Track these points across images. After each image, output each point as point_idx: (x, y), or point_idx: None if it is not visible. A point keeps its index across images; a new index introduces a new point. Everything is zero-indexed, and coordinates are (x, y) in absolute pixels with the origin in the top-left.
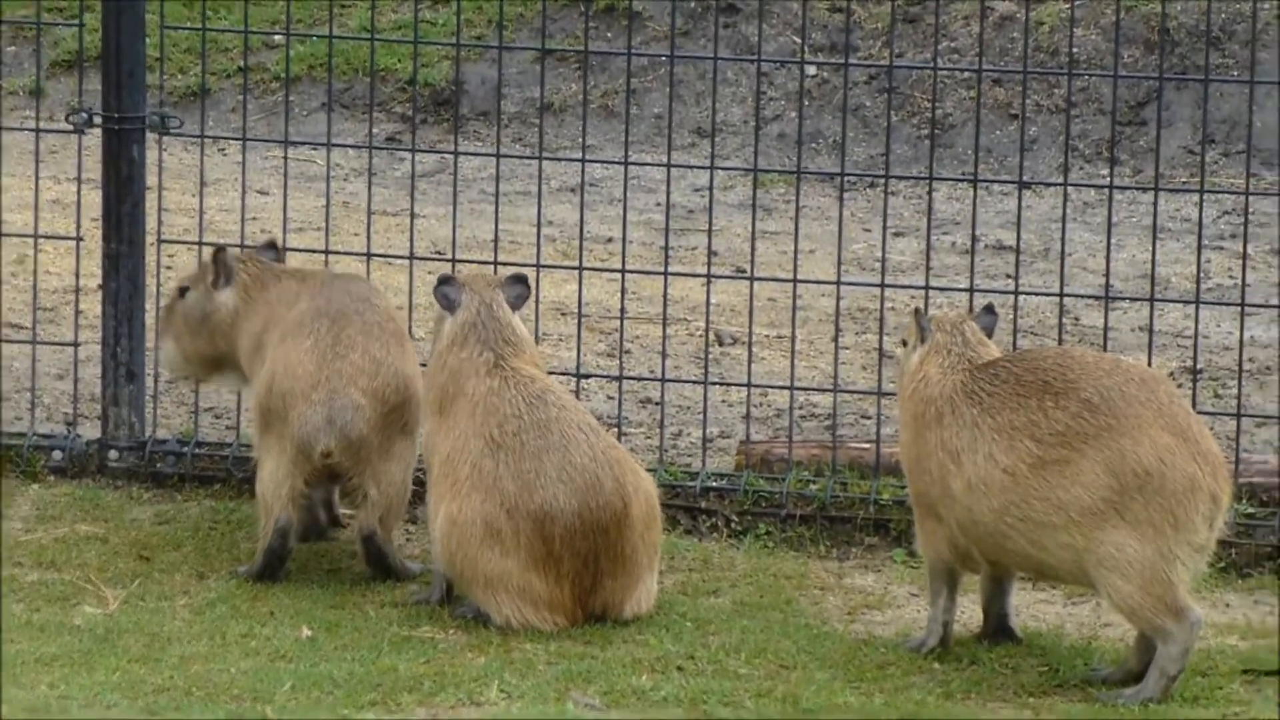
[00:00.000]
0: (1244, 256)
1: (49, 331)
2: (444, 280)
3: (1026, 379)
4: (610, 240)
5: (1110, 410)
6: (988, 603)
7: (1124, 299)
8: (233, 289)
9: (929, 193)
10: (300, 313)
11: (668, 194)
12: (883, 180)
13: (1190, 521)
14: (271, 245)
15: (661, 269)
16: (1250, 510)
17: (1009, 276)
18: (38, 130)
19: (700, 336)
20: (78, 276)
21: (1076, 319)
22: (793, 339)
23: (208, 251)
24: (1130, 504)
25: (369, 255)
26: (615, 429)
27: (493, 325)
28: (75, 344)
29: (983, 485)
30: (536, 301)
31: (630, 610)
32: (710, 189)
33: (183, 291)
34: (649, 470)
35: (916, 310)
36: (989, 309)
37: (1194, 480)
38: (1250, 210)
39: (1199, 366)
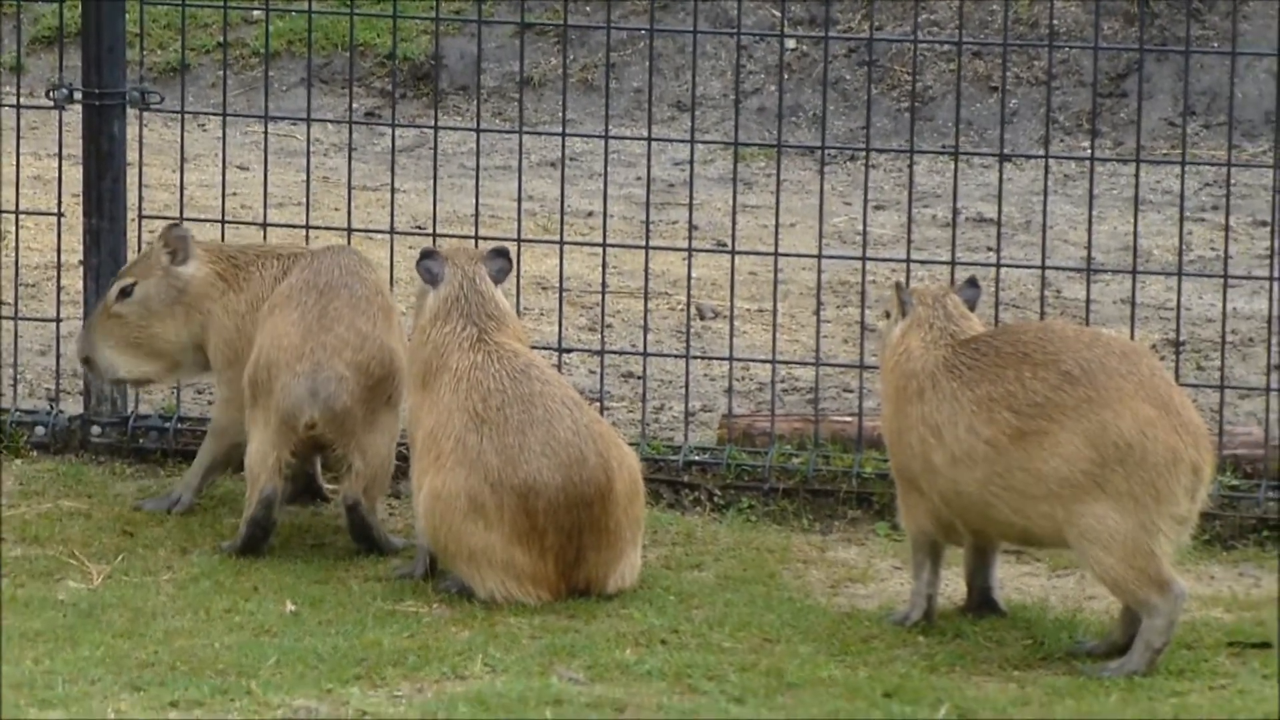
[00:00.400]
0: (1226, 228)
1: (30, 307)
2: (426, 254)
3: (1006, 351)
4: (590, 214)
5: (1090, 382)
6: (971, 576)
7: (1106, 271)
8: (196, 260)
9: (910, 166)
10: (289, 285)
11: (648, 168)
12: (863, 153)
13: (1172, 493)
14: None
15: (642, 243)
16: (1234, 482)
17: (990, 249)
18: (19, 106)
19: (681, 310)
20: (59, 252)
21: (1059, 292)
22: (774, 312)
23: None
24: (1111, 476)
25: (349, 230)
26: (597, 403)
27: (476, 299)
28: (57, 320)
29: (966, 458)
30: (518, 276)
31: (614, 584)
32: (691, 163)
33: (125, 292)
34: (631, 444)
35: (898, 284)
36: (971, 282)
37: (1175, 452)
38: (1232, 182)
39: (1182, 339)
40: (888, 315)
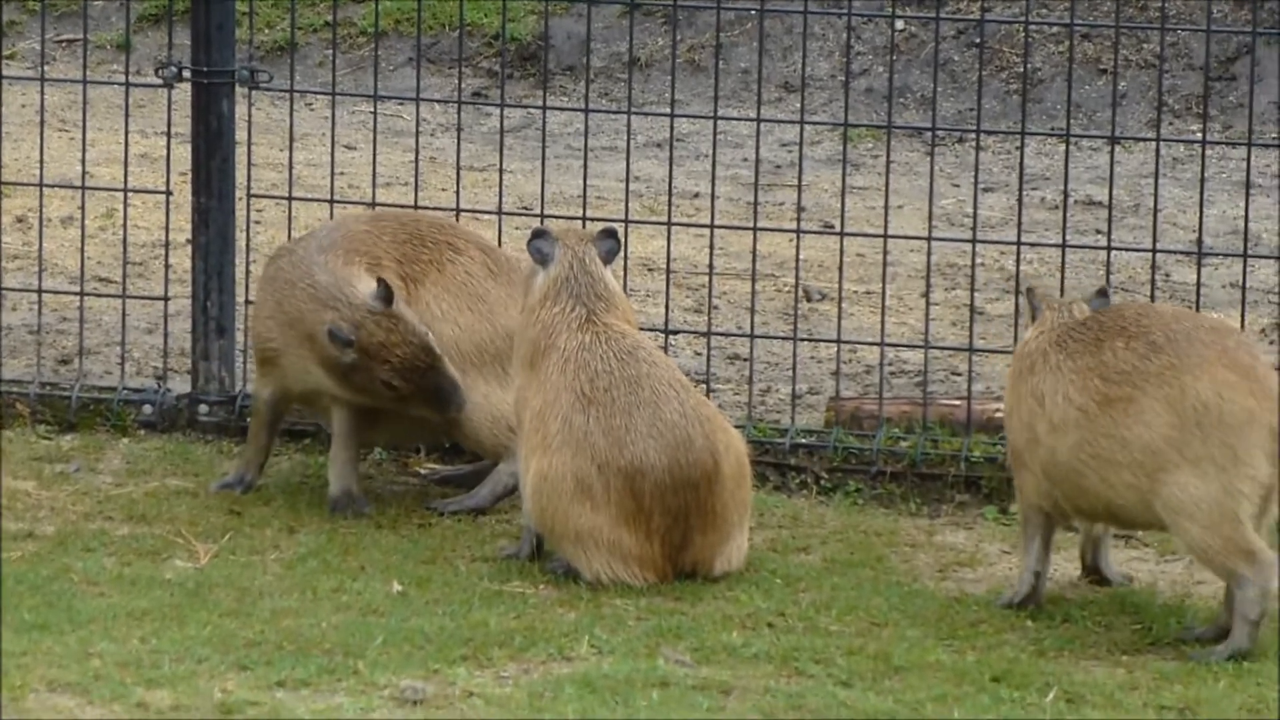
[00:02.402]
0: None
1: (138, 286)
2: (537, 234)
3: (1108, 326)
4: (697, 195)
5: (1174, 350)
6: (1083, 554)
7: (1216, 255)
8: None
9: (1020, 148)
10: None
11: (757, 149)
12: (971, 135)
13: (1251, 455)
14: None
15: (749, 224)
16: None
17: (1099, 232)
18: (127, 84)
19: (788, 292)
20: (167, 231)
21: (1167, 275)
22: (883, 295)
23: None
24: (1190, 440)
25: (458, 210)
26: (703, 385)
27: (585, 280)
28: (165, 298)
29: (1061, 425)
30: (625, 257)
31: (720, 567)
32: (800, 144)
33: None
34: (737, 427)
35: (1030, 289)
36: (1103, 293)
37: (1251, 413)
38: None
39: None
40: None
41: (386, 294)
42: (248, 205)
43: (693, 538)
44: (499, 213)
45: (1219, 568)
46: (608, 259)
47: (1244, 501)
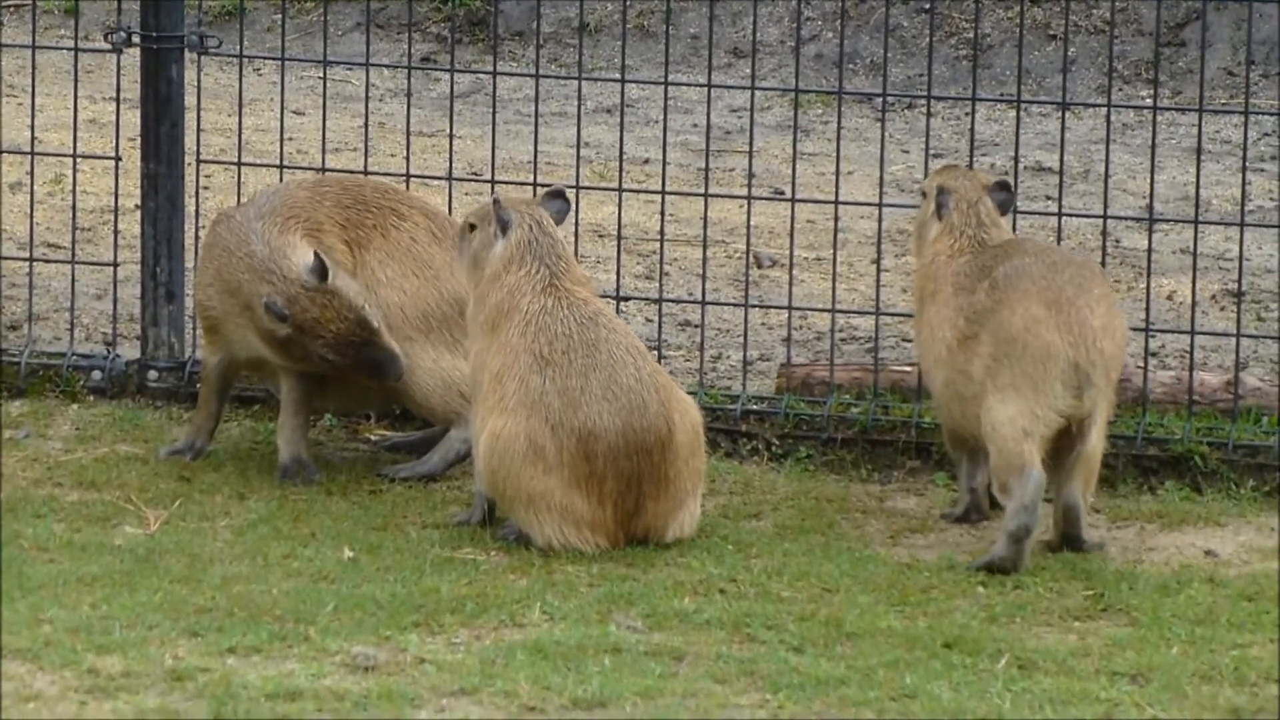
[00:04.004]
0: None
1: (87, 251)
2: (496, 202)
3: (987, 265)
4: (647, 162)
5: (1006, 286)
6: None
7: (1167, 220)
8: None
9: (971, 114)
10: None
11: (708, 115)
12: (920, 102)
13: (1049, 386)
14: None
15: (700, 190)
16: None
17: (1049, 198)
18: (76, 49)
19: (739, 258)
20: (116, 196)
21: (1118, 241)
22: (834, 261)
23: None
24: (1001, 370)
25: (408, 176)
26: (655, 351)
27: (546, 241)
28: (114, 264)
29: (936, 362)
30: (576, 223)
31: (673, 534)
32: (751, 110)
33: None
34: (689, 393)
35: (940, 186)
36: (1003, 185)
37: (1051, 347)
38: None
39: (1242, 289)
40: (924, 196)
41: (321, 268)
42: (197, 171)
43: (645, 504)
44: (449, 178)
45: (1000, 486)
46: (558, 219)
47: (1037, 426)
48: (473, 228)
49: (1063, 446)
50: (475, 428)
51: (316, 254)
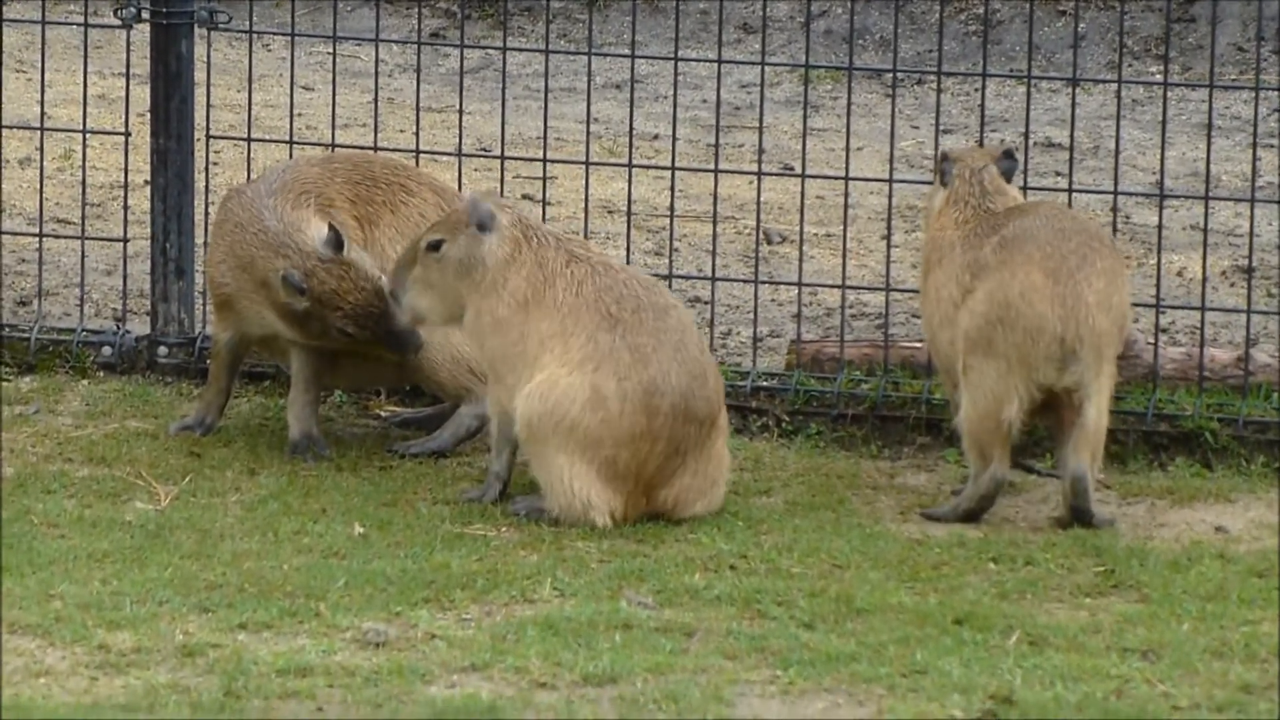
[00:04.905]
0: None
1: (97, 227)
2: (474, 203)
3: (997, 223)
4: (656, 137)
5: (1012, 247)
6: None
7: (1177, 196)
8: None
9: (982, 90)
10: None
11: (718, 90)
12: (930, 77)
13: (1035, 360)
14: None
15: (710, 166)
16: None
17: (1058, 174)
18: (86, 25)
19: (749, 235)
20: (126, 172)
21: (1128, 217)
22: (844, 237)
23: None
24: (993, 335)
25: (418, 152)
26: None
27: (539, 225)
28: (124, 240)
29: (945, 320)
30: (586, 199)
31: (701, 508)
32: (761, 86)
33: None
34: None
35: (943, 153)
36: (1008, 154)
37: (1042, 319)
38: None
39: (1252, 265)
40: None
41: (336, 240)
42: (206, 146)
43: (683, 475)
44: (458, 154)
45: (969, 447)
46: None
47: (1015, 399)
48: (438, 244)
49: (1062, 420)
50: (505, 391)
51: (331, 226)
